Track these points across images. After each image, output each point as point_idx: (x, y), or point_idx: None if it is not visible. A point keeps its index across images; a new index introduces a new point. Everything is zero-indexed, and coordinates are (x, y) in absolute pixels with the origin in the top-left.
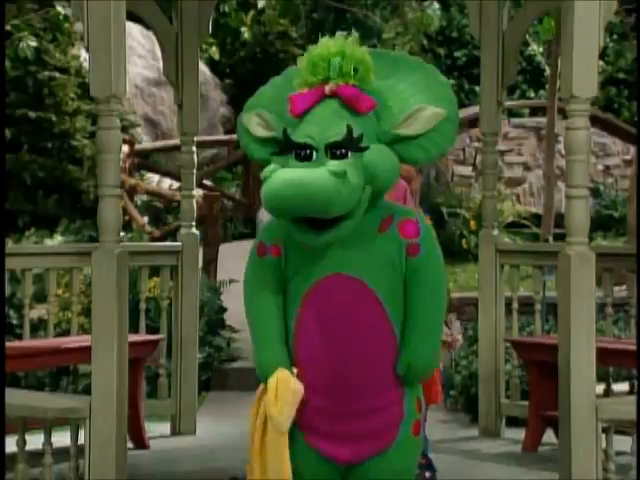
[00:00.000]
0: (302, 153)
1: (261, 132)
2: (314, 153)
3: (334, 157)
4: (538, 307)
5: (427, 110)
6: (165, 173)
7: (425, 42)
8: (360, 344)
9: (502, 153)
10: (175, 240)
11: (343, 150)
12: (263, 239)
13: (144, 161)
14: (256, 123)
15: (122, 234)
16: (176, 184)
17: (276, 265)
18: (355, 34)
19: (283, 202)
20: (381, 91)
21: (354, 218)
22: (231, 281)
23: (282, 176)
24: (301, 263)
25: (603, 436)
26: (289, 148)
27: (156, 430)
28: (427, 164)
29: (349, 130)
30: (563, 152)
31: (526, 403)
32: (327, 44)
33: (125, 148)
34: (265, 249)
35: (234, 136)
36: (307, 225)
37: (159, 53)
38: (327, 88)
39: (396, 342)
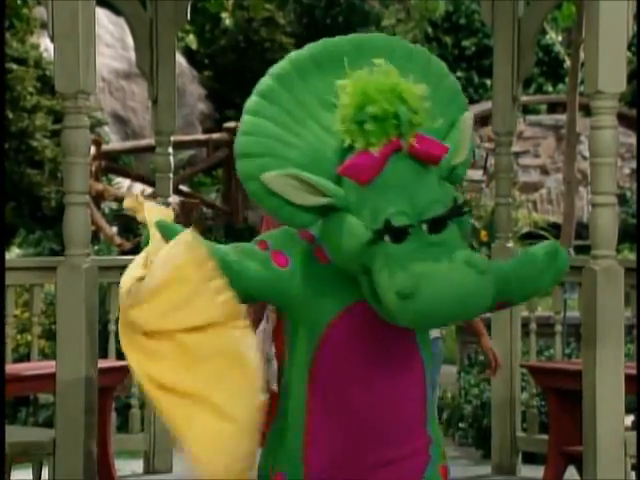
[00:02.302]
0: (397, 234)
1: (311, 199)
2: (409, 229)
3: (433, 229)
4: (558, 328)
5: (467, 130)
6: (136, 177)
7: (430, 30)
8: (394, 381)
9: (517, 155)
10: None
11: (443, 220)
12: (266, 240)
13: (112, 164)
14: (293, 187)
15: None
16: (149, 190)
17: (280, 276)
18: (384, 64)
19: (441, 319)
20: (438, 129)
21: None
22: None
23: (445, 290)
24: (317, 288)
25: (633, 474)
26: (388, 234)
27: (127, 468)
28: None
29: (455, 201)
30: (585, 154)
31: (545, 437)
32: (379, 89)
33: (91, 149)
34: (269, 251)
35: (214, 135)
36: None
37: (130, 42)
38: (406, 147)
39: (425, 378)
